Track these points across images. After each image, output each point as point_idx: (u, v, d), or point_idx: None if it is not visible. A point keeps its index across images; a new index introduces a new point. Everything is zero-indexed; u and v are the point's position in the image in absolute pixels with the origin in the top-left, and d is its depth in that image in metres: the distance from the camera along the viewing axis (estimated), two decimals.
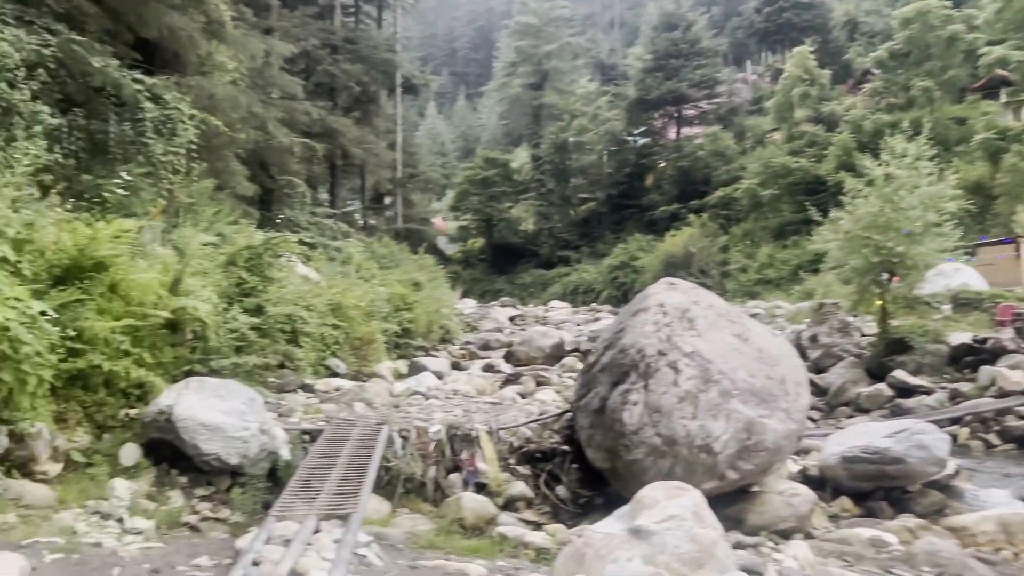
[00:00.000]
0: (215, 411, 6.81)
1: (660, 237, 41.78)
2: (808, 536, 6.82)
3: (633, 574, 4.27)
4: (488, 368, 18.95)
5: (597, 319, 30.62)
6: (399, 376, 14.11)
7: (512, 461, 7.76)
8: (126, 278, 7.75)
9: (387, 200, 42.53)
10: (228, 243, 12.04)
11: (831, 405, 13.72)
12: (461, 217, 51.90)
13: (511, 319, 30.57)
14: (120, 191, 10.65)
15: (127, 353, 7.27)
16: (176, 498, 6.61)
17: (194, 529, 6.17)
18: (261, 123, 20.37)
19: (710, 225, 40.98)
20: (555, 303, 39.58)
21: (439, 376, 13.48)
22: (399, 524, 6.76)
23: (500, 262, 49.04)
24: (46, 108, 10.09)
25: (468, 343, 22.53)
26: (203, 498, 6.80)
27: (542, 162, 48.69)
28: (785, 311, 25.83)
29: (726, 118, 49.14)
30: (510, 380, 15.64)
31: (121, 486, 6.34)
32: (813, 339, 17.90)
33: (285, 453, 7.28)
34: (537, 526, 7.01)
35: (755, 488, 7.06)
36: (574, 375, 16.31)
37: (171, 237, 10.73)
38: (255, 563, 4.14)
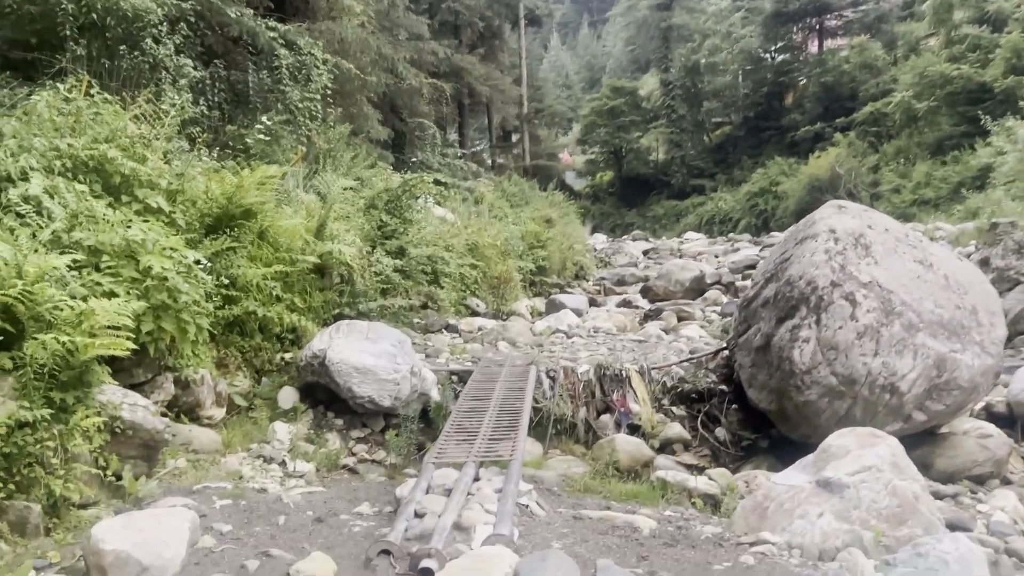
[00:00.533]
0: (366, 354, 6.79)
1: (802, 160, 39.27)
2: (1006, 482, 6.11)
3: (825, 531, 3.84)
4: (625, 304, 18.53)
5: (736, 250, 29.33)
6: (537, 314, 13.94)
7: (666, 402, 7.39)
8: (273, 225, 7.81)
9: (514, 137, 42.16)
10: (367, 187, 12.09)
11: (1009, 334, 12.39)
12: (588, 151, 50.81)
13: (644, 253, 29.81)
14: (262, 137, 10.78)
15: (279, 299, 7.36)
16: (333, 440, 6.68)
17: (352, 471, 6.21)
18: (390, 65, 20.35)
19: (858, 144, 38.07)
20: (690, 234, 38.24)
21: (578, 313, 13.18)
22: (552, 467, 6.57)
23: (630, 195, 47.79)
24: (189, 61, 10.29)
25: (602, 279, 22.10)
26: (359, 440, 6.86)
27: (672, 87, 46.60)
28: (946, 233, 23.63)
29: (874, 26, 44.99)
30: (650, 316, 15.15)
31: (281, 429, 6.46)
32: (984, 262, 16.23)
33: (435, 394, 7.22)
34: (698, 470, 6.64)
35: (943, 430, 6.36)
36: (718, 309, 15.64)
37: (312, 183, 10.83)
38: (417, 514, 4.01)
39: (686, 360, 7.75)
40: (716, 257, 26.14)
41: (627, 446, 6.71)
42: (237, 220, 7.22)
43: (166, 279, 5.00)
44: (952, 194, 31.74)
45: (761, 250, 28.23)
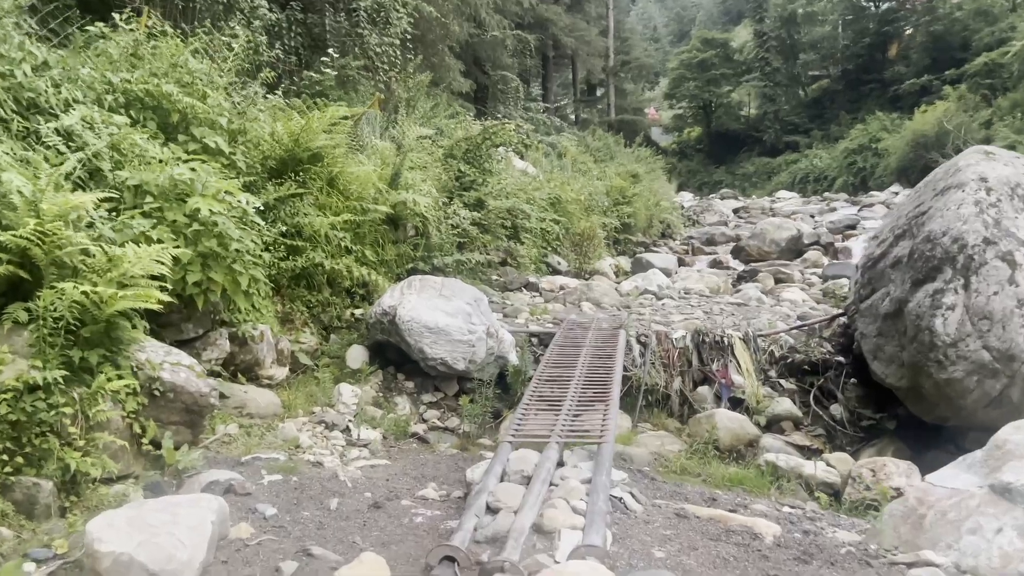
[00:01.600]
0: (439, 312, 6.14)
1: (906, 115, 36.54)
2: None
3: (1006, 552, 2.97)
4: (715, 264, 17.43)
5: (833, 209, 27.56)
6: (623, 274, 13.07)
7: (773, 374, 6.49)
8: (344, 171, 7.20)
9: (598, 92, 40.69)
10: (446, 136, 11.38)
11: None
12: (676, 105, 48.71)
13: (735, 211, 28.32)
14: (330, 72, 10.13)
15: (348, 250, 6.77)
16: (403, 405, 6.09)
17: (422, 440, 5.59)
18: (474, 12, 19.44)
19: (969, 98, 35.11)
20: (782, 193, 36.30)
21: (666, 273, 12.25)
22: (643, 443, 5.81)
23: (719, 151, 45.67)
24: (264, 2, 9.71)
25: (691, 238, 20.94)
26: (431, 405, 6.25)
27: (766, 38, 43.90)
28: None
29: None
30: (744, 277, 14.07)
31: (347, 391, 5.89)
32: None
33: (513, 358, 6.52)
34: (812, 453, 5.77)
35: None
36: (819, 272, 14.41)
37: (389, 131, 10.19)
38: (490, 508, 3.32)
39: (797, 327, 6.81)
40: (812, 217, 24.53)
41: (729, 423, 5.88)
42: (304, 164, 6.62)
43: (216, 224, 4.41)
44: None
45: (859, 210, 26.42)
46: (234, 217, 4.67)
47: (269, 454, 4.29)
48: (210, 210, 4.34)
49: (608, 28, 37.29)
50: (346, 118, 8.01)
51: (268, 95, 7.14)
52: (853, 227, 20.99)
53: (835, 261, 15.56)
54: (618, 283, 12.31)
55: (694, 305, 8.61)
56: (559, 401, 5.13)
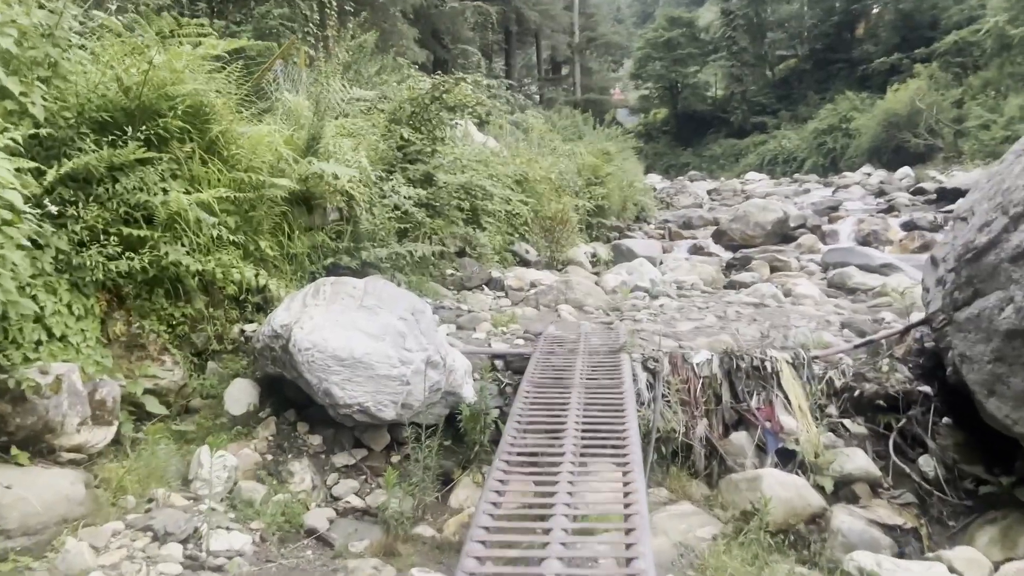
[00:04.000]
0: (358, 334, 4.05)
1: (875, 95, 35.13)
2: None
3: None
4: (697, 249, 15.58)
5: (807, 191, 25.95)
6: (601, 263, 11.08)
7: (833, 411, 4.53)
8: (230, 131, 5.06)
9: (564, 71, 38.61)
10: (392, 100, 9.22)
11: None
12: (642, 86, 46.77)
13: (708, 193, 26.53)
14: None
15: (230, 242, 4.65)
16: (302, 474, 3.99)
17: (323, 542, 3.53)
18: None
19: (940, 76, 33.77)
20: (751, 175, 34.68)
21: (652, 262, 10.28)
22: (661, 526, 3.81)
23: (685, 133, 43.91)
24: None
25: (667, 221, 19.05)
26: (347, 470, 4.17)
27: (733, 17, 42.04)
28: None
29: None
30: (734, 265, 12.17)
31: (214, 459, 3.79)
32: None
33: (469, 392, 4.47)
34: (901, 532, 3.83)
35: None
36: (816, 258, 12.59)
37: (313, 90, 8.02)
38: None
39: (863, 343, 4.83)
40: (787, 198, 22.82)
41: (782, 489, 3.91)
42: (164, 118, 4.47)
43: None
44: None
45: (834, 191, 24.83)
46: None
47: None
48: None
49: (573, 3, 35.19)
50: (244, 59, 5.92)
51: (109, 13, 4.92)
52: (835, 208, 19.35)
53: (834, 246, 13.76)
54: (596, 274, 10.32)
55: (700, 307, 6.64)
56: (552, 469, 3.11)
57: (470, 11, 24.99)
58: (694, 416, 4.36)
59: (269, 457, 4.05)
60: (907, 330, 4.84)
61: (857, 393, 4.46)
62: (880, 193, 23.01)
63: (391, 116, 7.84)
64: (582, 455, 3.39)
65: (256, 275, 4.56)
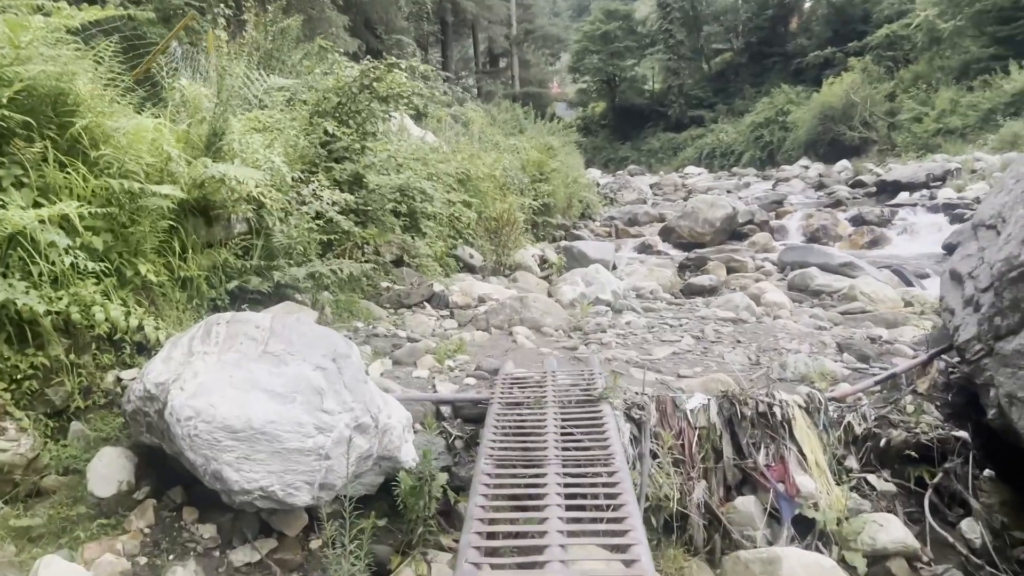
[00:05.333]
0: (259, 393, 3.04)
1: (810, 88, 35.27)
2: None
3: None
4: (645, 248, 14.91)
5: (747, 184, 25.65)
6: (550, 267, 10.20)
7: (853, 463, 3.72)
8: (98, 125, 3.97)
9: (502, 63, 37.64)
10: (315, 89, 8.11)
11: None
12: (580, 79, 46.12)
13: (651, 187, 25.96)
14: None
15: (95, 270, 3.56)
16: None
17: None
18: None
19: (873, 69, 34.06)
20: (690, 169, 34.41)
21: (605, 265, 9.44)
22: None
23: (624, 127, 43.43)
24: None
25: (612, 218, 18.33)
26: (248, 571, 3.16)
27: (670, 10, 41.59)
28: (988, 165, 19.91)
29: None
30: (688, 267, 11.48)
31: (64, 568, 2.75)
32: None
33: (408, 455, 3.50)
34: None
35: None
36: (772, 257, 11.99)
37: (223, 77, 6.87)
38: None
39: (884, 379, 4.02)
40: (729, 192, 22.39)
41: (806, 574, 3.07)
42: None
43: None
44: (982, 122, 28.03)
45: (774, 185, 24.57)
46: None
47: None
48: None
49: None
50: (132, 39, 4.85)
51: None
52: (780, 203, 18.96)
53: (789, 244, 13.21)
54: (545, 278, 9.45)
55: (672, 325, 5.79)
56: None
57: (404, 0, 23.83)
58: (690, 477, 3.49)
59: (143, 561, 3.02)
60: (930, 360, 4.06)
61: (883, 442, 3.65)
62: (820, 186, 22.81)
63: (314, 108, 6.78)
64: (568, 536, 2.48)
65: (127, 313, 3.50)
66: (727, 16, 41.70)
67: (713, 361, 4.69)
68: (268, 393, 3.06)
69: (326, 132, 6.28)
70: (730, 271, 11.07)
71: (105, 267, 3.70)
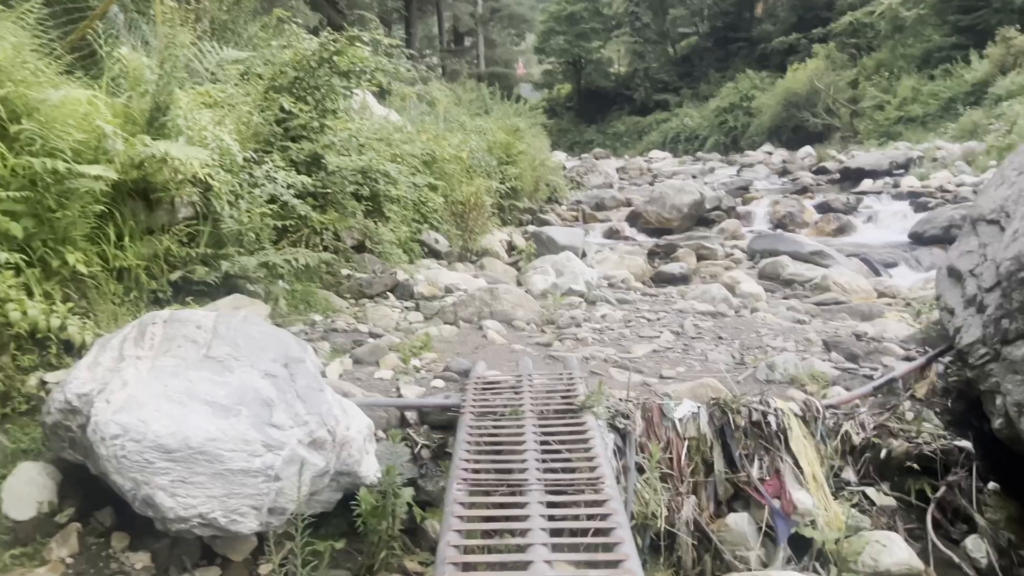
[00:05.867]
0: (198, 406, 2.65)
1: (775, 74, 35.32)
2: None
3: None
4: (613, 233, 14.65)
5: (712, 170, 25.52)
6: (518, 252, 9.85)
7: (850, 475, 3.46)
8: (20, 95, 3.50)
9: (467, 42, 36.95)
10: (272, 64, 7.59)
11: None
12: (546, 61, 45.58)
13: (617, 171, 25.66)
14: None
15: (12, 266, 3.12)
16: None
17: None
18: None
19: (837, 56, 34.18)
20: (655, 153, 34.21)
21: (576, 252, 9.11)
22: None
23: (589, 110, 43.09)
24: None
25: (579, 202, 18.01)
26: None
27: None
28: (949, 153, 20.03)
29: None
30: (657, 254, 11.22)
31: None
32: None
33: (370, 467, 3.14)
34: None
35: None
36: (742, 244, 11.80)
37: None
38: None
39: (882, 383, 3.75)
40: (694, 177, 22.23)
41: None
42: None
43: None
44: (942, 111, 28.31)
45: (739, 170, 24.48)
46: None
47: None
48: None
49: None
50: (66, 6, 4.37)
51: None
52: (746, 189, 18.85)
53: (758, 231, 13.05)
54: (513, 264, 9.11)
55: (650, 318, 5.49)
56: None
57: None
58: (678, 493, 3.20)
59: None
60: (928, 362, 3.81)
61: (880, 451, 3.40)
62: (783, 172, 22.80)
63: (270, 83, 6.30)
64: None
65: (49, 311, 3.07)
66: (693, 0, 41.50)
67: (696, 360, 4.40)
68: (209, 406, 2.68)
69: (282, 109, 5.82)
70: (700, 259, 10.86)
71: (25, 257, 3.26)
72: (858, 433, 3.42)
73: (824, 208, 14.86)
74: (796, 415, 3.34)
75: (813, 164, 23.21)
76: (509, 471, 2.79)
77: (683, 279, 9.42)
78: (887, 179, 17.63)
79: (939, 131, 25.89)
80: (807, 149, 26.77)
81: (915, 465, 3.36)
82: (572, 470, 2.73)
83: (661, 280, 9.37)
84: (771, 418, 3.29)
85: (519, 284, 7.05)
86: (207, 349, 2.91)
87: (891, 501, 3.35)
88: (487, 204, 10.28)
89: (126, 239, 3.95)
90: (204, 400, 2.68)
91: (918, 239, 11.59)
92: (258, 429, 2.68)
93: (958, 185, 14.66)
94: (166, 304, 4.09)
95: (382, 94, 11.51)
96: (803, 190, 17.48)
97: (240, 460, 2.61)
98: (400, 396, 3.69)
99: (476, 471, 2.78)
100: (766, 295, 7.38)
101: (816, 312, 6.72)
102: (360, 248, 7.09)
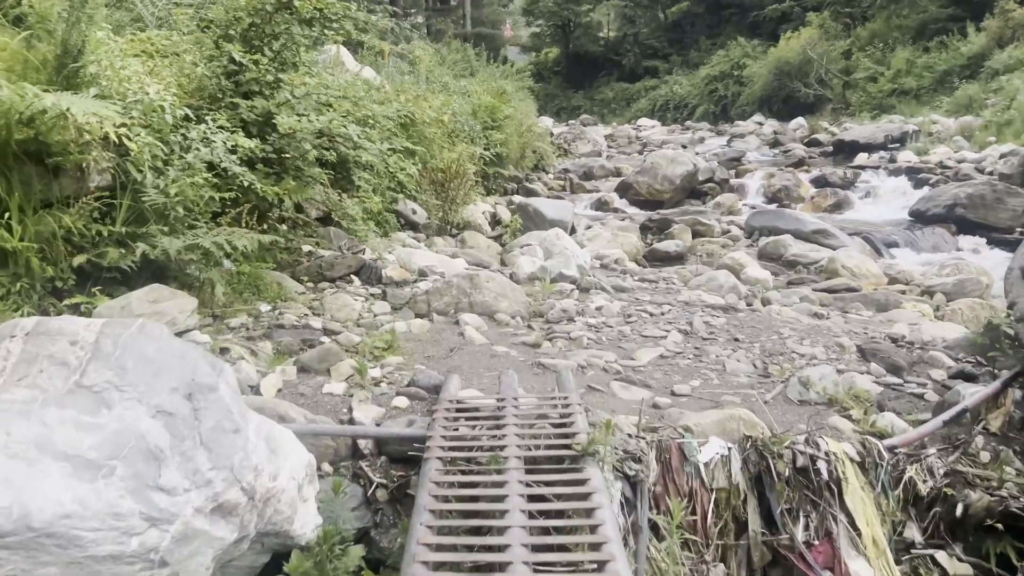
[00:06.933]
0: (51, 464, 1.87)
1: (767, 42, 34.32)
2: None
3: None
4: (602, 205, 13.89)
5: (701, 140, 24.67)
6: (503, 227, 9.03)
7: (915, 535, 2.75)
8: None
9: (453, 1, 35.55)
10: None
11: None
12: (533, 23, 44.14)
13: (605, 139, 24.72)
14: None
15: None
16: None
17: None
18: None
19: (831, 26, 33.23)
20: (643, 121, 33.22)
21: (564, 227, 8.31)
22: None
23: (577, 75, 41.83)
24: None
25: (567, 171, 17.17)
26: None
27: None
28: (944, 128, 19.29)
29: None
30: (650, 228, 10.46)
31: None
32: None
33: (307, 520, 2.39)
34: None
35: None
36: (739, 220, 11.05)
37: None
38: None
39: (952, 418, 3.02)
40: (684, 147, 21.39)
41: None
42: None
43: None
44: (937, 84, 27.54)
45: (729, 140, 23.63)
46: None
47: None
48: None
49: None
50: None
51: None
52: (739, 160, 18.04)
53: (756, 207, 12.31)
54: (497, 239, 8.32)
55: (652, 312, 4.73)
56: None
57: None
58: (703, 560, 2.46)
59: None
60: (1004, 388, 3.09)
61: (954, 504, 2.68)
62: (775, 143, 22.01)
63: (222, 31, 5.39)
64: None
65: None
66: None
67: (712, 370, 3.66)
68: (70, 462, 1.90)
69: (232, 60, 4.93)
70: (696, 235, 10.14)
71: None
72: (925, 481, 2.71)
73: (821, 182, 14.17)
74: (852, 460, 2.61)
75: (805, 136, 22.41)
76: (486, 548, 2.04)
77: (679, 258, 8.72)
78: (882, 153, 16.92)
79: (933, 105, 25.12)
80: (799, 120, 25.96)
81: (997, 524, 2.66)
82: (569, 548, 1.98)
83: (655, 259, 8.66)
84: (821, 464, 2.56)
85: (503, 264, 6.26)
86: (80, 374, 2.12)
87: (967, 569, 2.64)
88: (470, 172, 9.42)
89: (13, 214, 3.12)
90: (62, 454, 1.90)
91: (920, 217, 10.93)
92: (137, 495, 1.90)
93: (959, 161, 13.96)
94: (68, 296, 3.28)
95: (358, 48, 10.56)
96: (799, 163, 16.73)
97: (108, 543, 1.83)
98: (352, 421, 2.91)
99: (440, 548, 2.02)
100: (773, 281, 6.66)
101: (829, 301, 6.04)
102: (326, 220, 6.27)
